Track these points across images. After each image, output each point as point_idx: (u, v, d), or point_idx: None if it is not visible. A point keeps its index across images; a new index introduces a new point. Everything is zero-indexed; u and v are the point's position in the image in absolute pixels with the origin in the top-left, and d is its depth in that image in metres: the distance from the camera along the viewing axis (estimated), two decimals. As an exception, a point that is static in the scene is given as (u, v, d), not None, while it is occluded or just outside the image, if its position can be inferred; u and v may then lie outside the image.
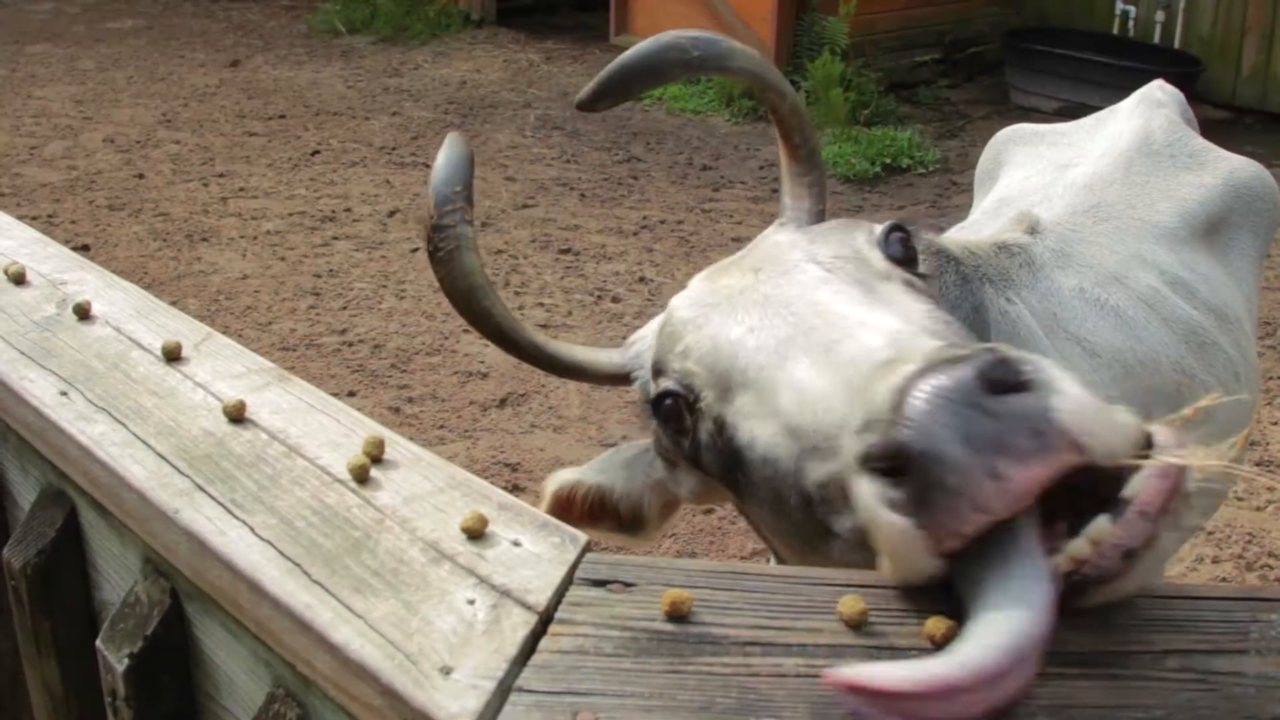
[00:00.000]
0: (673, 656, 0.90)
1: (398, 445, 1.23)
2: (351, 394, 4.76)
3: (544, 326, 5.34)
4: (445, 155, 1.32)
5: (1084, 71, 8.15)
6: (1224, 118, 8.30)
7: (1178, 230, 2.31)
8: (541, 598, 0.97)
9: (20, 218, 2.11)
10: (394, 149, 7.79)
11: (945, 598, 0.90)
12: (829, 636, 0.91)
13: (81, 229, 6.46)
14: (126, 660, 1.22)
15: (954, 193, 7.04)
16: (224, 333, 1.55)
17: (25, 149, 7.78)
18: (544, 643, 0.92)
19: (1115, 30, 8.93)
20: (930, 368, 0.89)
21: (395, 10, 10.82)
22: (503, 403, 4.70)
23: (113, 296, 1.64)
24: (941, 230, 2.02)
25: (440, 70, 9.66)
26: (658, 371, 1.26)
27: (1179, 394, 2.08)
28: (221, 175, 7.32)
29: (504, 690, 0.88)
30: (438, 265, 1.31)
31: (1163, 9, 8.65)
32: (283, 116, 8.48)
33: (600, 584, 0.99)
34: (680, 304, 1.27)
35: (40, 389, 1.40)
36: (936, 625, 0.88)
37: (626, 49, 1.34)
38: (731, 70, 1.34)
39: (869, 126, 7.93)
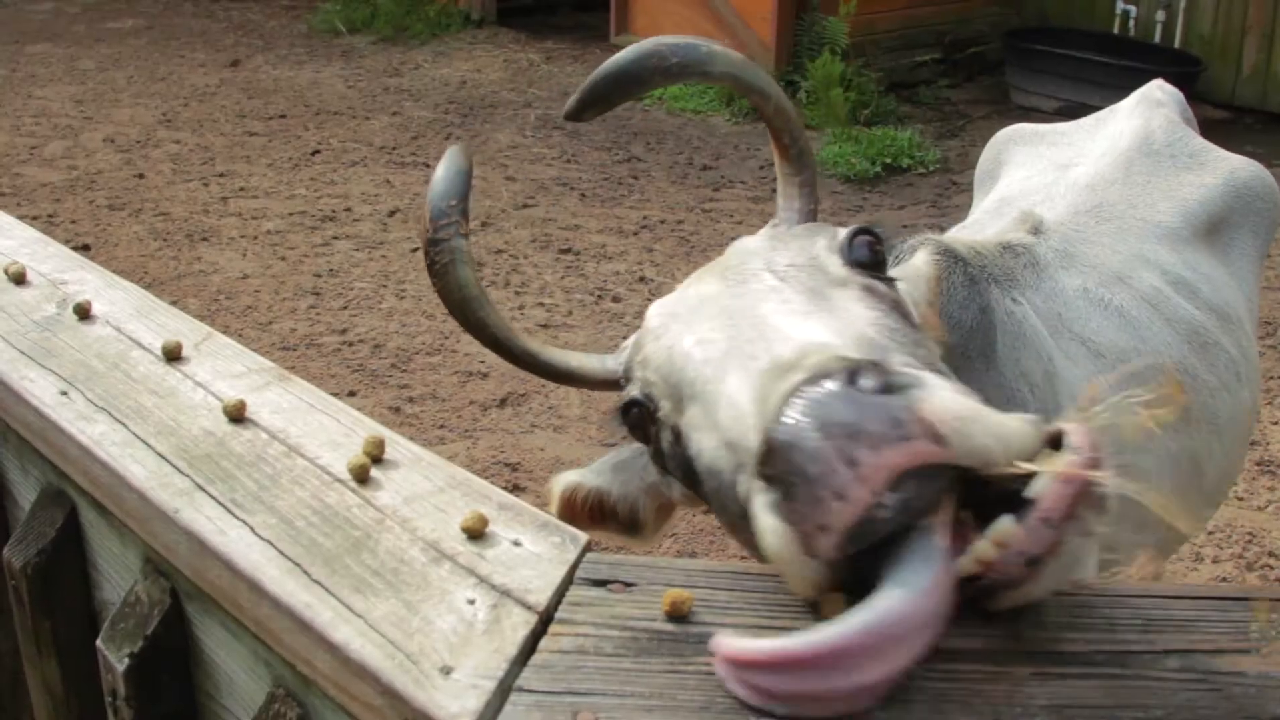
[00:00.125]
0: (673, 656, 0.90)
1: (398, 445, 1.23)
2: (352, 394, 4.76)
3: (544, 326, 5.34)
4: (443, 169, 1.34)
5: (1084, 71, 8.15)
6: (1224, 117, 8.30)
7: (1179, 230, 2.31)
8: (542, 597, 0.97)
9: (20, 217, 2.11)
10: (394, 149, 7.79)
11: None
12: (829, 636, 0.91)
13: (82, 229, 6.46)
14: (127, 660, 1.22)
15: (954, 192, 7.03)
16: (224, 332, 1.55)
17: (25, 149, 7.78)
18: (544, 642, 0.93)
19: (1116, 30, 8.93)
20: (814, 375, 0.91)
21: (395, 10, 10.82)
22: (503, 402, 4.70)
23: (113, 296, 1.64)
24: (942, 230, 2.03)
25: (440, 70, 9.66)
26: (627, 379, 1.27)
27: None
28: (222, 175, 7.32)
29: (504, 690, 0.88)
30: (434, 278, 1.33)
31: (1163, 9, 8.65)
32: (283, 116, 8.48)
33: (600, 584, 0.99)
34: (652, 311, 1.28)
35: (40, 389, 1.40)
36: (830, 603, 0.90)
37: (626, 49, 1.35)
38: (713, 75, 1.35)
39: (869, 126, 7.93)
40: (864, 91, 8.24)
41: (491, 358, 5.13)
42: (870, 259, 1.24)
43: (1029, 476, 0.87)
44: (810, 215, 1.39)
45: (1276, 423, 4.51)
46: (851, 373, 0.90)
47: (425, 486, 1.15)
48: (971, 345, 1.64)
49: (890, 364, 0.95)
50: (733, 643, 0.85)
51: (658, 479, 1.38)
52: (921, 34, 9.07)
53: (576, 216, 6.67)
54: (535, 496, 3.93)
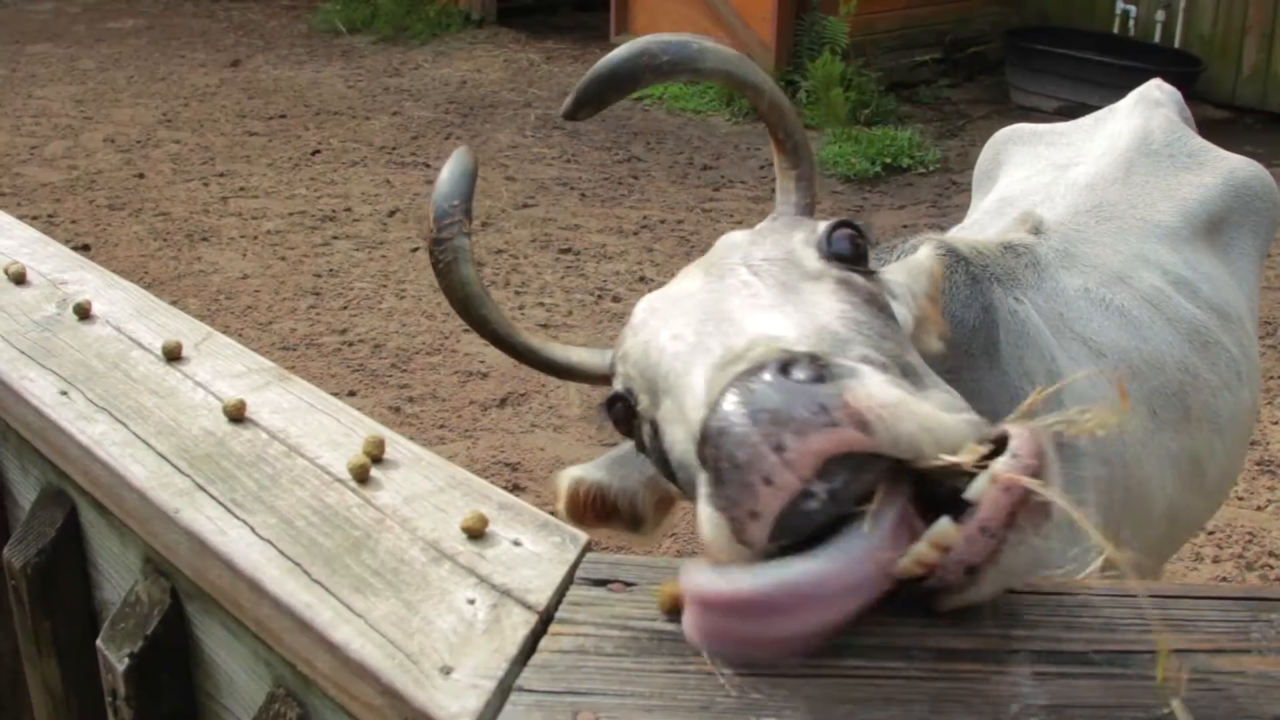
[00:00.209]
0: (673, 656, 0.90)
1: (398, 445, 1.23)
2: (352, 394, 4.76)
3: (544, 326, 5.34)
4: (448, 170, 1.37)
5: (1084, 71, 8.15)
6: (1224, 117, 8.30)
7: (1179, 230, 2.31)
8: (542, 597, 0.97)
9: (20, 217, 2.11)
10: (394, 149, 7.79)
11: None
12: (829, 636, 0.91)
13: (82, 229, 6.46)
14: (127, 660, 1.22)
15: (954, 192, 7.03)
16: (224, 332, 1.55)
17: (26, 149, 7.78)
18: (544, 642, 0.93)
19: (1116, 30, 8.92)
20: (751, 366, 0.93)
21: (396, 10, 10.82)
22: (503, 402, 4.70)
23: (113, 296, 1.64)
24: (943, 230, 2.03)
25: (441, 70, 9.66)
26: (612, 373, 1.28)
27: (1183, 393, 2.09)
28: (222, 175, 7.32)
29: (504, 690, 0.88)
30: (438, 276, 1.36)
31: (1163, 8, 8.65)
32: (283, 116, 8.48)
33: (601, 583, 0.99)
34: (638, 306, 1.29)
35: (41, 388, 1.40)
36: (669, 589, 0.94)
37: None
38: (705, 71, 1.35)
39: (869, 126, 7.93)
40: (864, 91, 8.24)
41: (492, 358, 5.14)
42: (851, 252, 1.24)
43: (971, 476, 0.88)
44: (807, 209, 1.39)
45: (1276, 423, 4.51)
46: (785, 363, 0.91)
47: (425, 486, 1.16)
48: (975, 344, 1.65)
49: (834, 355, 0.96)
50: (688, 576, 0.89)
51: (655, 471, 1.38)
52: (921, 34, 9.06)
53: (576, 216, 6.67)
54: (535, 496, 3.93)
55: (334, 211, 6.73)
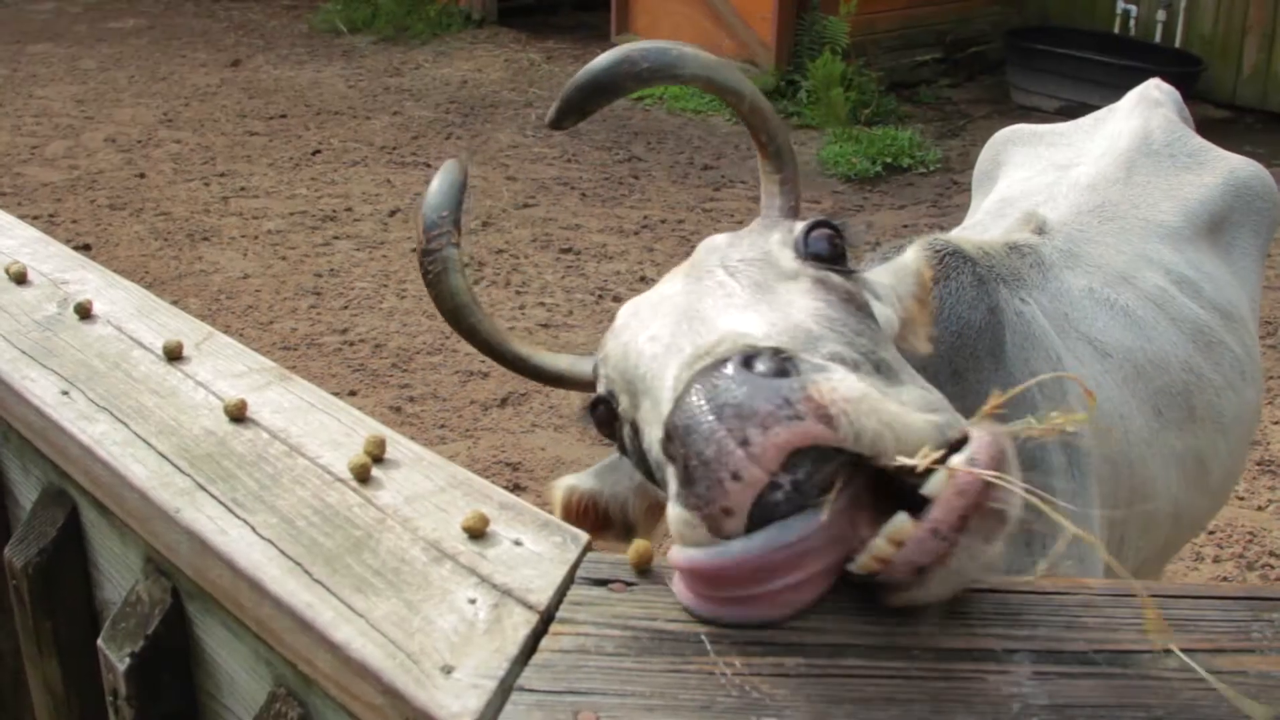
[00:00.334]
0: (674, 656, 0.90)
1: (399, 444, 1.23)
2: (352, 393, 4.76)
3: (545, 326, 5.34)
4: (437, 182, 1.38)
5: (1085, 71, 8.14)
6: (1225, 117, 8.30)
7: (1182, 230, 2.31)
8: (543, 597, 0.97)
9: (21, 217, 2.11)
10: (395, 148, 7.79)
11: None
12: (830, 635, 0.91)
13: (83, 228, 6.46)
14: (128, 659, 1.22)
15: (955, 192, 7.03)
16: (225, 332, 1.55)
17: (26, 148, 7.78)
18: (545, 642, 0.93)
19: (1116, 29, 8.92)
20: (714, 361, 0.94)
21: (396, 10, 10.82)
22: (504, 402, 4.70)
23: (114, 296, 1.64)
24: (944, 230, 2.03)
25: (441, 70, 9.66)
26: (595, 377, 1.28)
27: (1188, 393, 2.09)
28: (223, 175, 7.32)
29: (505, 689, 0.88)
30: (428, 286, 1.37)
31: (1164, 8, 8.65)
32: (284, 116, 8.48)
33: (601, 583, 0.99)
34: (621, 310, 1.29)
35: (41, 388, 1.40)
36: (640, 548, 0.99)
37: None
38: (684, 77, 1.35)
39: (870, 126, 7.93)
40: (864, 91, 8.24)
41: (492, 357, 5.14)
42: (829, 252, 1.24)
43: (928, 473, 0.88)
44: (792, 212, 1.39)
45: (1277, 422, 4.51)
46: (748, 358, 0.92)
47: (426, 486, 1.16)
48: (980, 345, 1.65)
49: (803, 351, 0.97)
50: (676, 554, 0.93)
51: (642, 479, 1.38)
52: (922, 33, 9.06)
53: (577, 216, 6.67)
54: (536, 496, 3.93)
55: (335, 211, 6.73)
